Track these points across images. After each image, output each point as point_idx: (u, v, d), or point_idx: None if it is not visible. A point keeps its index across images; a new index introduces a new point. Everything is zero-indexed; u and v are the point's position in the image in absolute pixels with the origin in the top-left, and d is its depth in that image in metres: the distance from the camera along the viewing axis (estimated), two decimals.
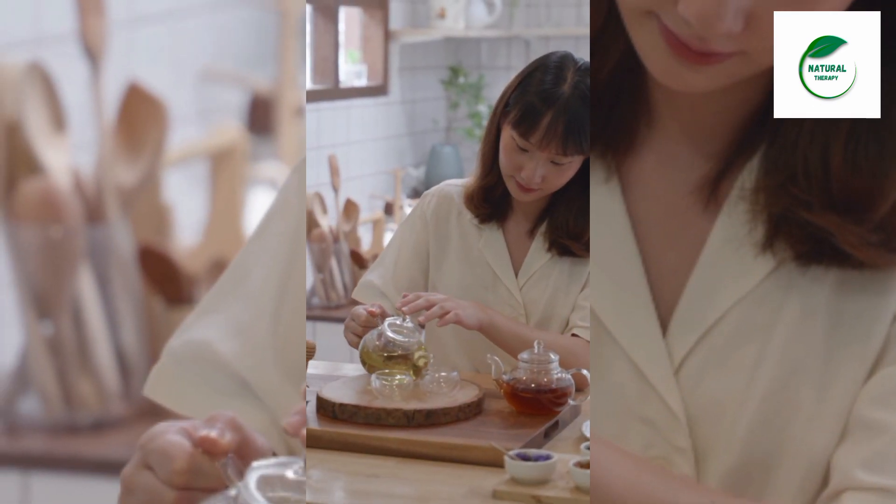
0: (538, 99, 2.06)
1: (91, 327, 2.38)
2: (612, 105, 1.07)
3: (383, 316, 2.04)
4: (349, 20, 4.46)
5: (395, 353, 1.97)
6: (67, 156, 2.36)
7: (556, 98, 2.05)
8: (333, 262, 3.84)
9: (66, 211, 2.34)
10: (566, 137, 2.05)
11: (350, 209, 4.00)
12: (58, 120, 2.36)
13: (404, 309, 2.03)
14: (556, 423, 1.89)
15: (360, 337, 2.03)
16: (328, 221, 3.94)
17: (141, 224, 2.46)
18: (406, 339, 1.98)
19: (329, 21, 4.20)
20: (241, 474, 0.92)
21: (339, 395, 1.90)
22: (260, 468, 0.91)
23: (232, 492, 0.91)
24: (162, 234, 2.52)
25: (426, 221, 2.27)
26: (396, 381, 1.92)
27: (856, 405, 1.03)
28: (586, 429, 1.84)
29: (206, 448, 0.94)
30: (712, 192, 1.06)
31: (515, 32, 4.64)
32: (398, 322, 2.00)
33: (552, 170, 2.09)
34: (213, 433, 0.94)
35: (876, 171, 0.97)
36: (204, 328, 1.21)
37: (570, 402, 1.92)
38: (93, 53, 2.36)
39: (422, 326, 2.18)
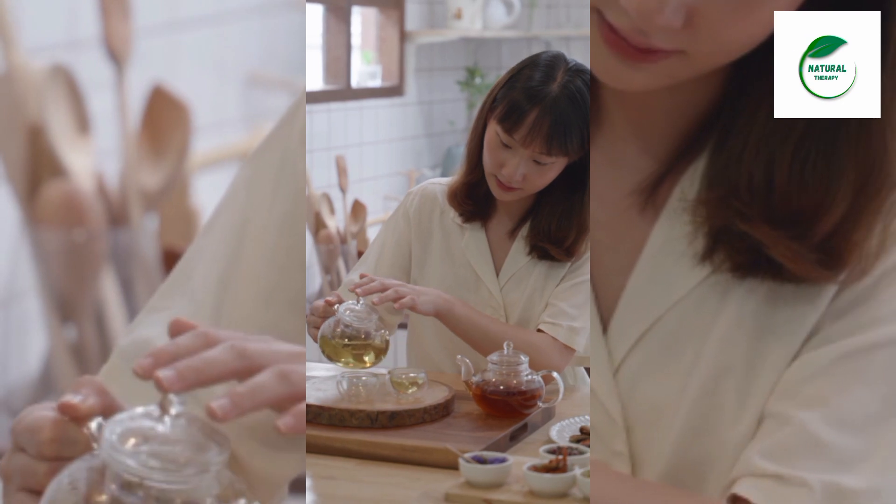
0: (525, 96, 2.04)
1: (114, 331, 2.36)
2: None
3: (341, 304, 2.01)
4: (365, 21, 4.45)
5: (353, 338, 1.95)
6: (91, 159, 2.34)
7: (543, 96, 2.03)
8: (341, 264, 3.83)
9: (89, 214, 2.32)
10: (550, 136, 2.03)
11: (358, 210, 4.00)
12: (82, 123, 2.34)
13: (358, 291, 2.00)
14: (525, 426, 1.87)
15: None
16: (336, 223, 3.93)
17: (167, 227, 2.44)
18: (361, 323, 1.95)
19: (341, 21, 4.19)
20: None
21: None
22: (121, 421, 0.89)
23: (97, 452, 0.89)
24: (189, 237, 2.50)
25: (409, 220, 2.26)
26: (363, 382, 1.90)
27: (768, 400, 1.03)
28: (554, 433, 1.82)
29: (69, 413, 0.92)
30: (651, 195, 1.05)
31: (535, 33, 4.63)
32: (353, 306, 1.97)
33: (534, 169, 2.07)
34: (74, 398, 0.93)
35: (821, 189, 0.96)
36: (150, 326, 1.19)
37: (540, 404, 1.89)
38: (117, 57, 2.34)
39: (400, 325, 2.15)
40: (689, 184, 1.03)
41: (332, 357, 1.99)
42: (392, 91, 4.46)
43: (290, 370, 0.92)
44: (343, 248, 3.90)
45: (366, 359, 1.97)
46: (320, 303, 2.03)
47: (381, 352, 1.97)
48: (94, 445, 0.91)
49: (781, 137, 0.96)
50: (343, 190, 4.03)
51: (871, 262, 0.99)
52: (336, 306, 2.00)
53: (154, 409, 0.89)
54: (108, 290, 2.37)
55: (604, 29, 0.93)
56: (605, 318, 1.08)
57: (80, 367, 2.35)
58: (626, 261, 1.07)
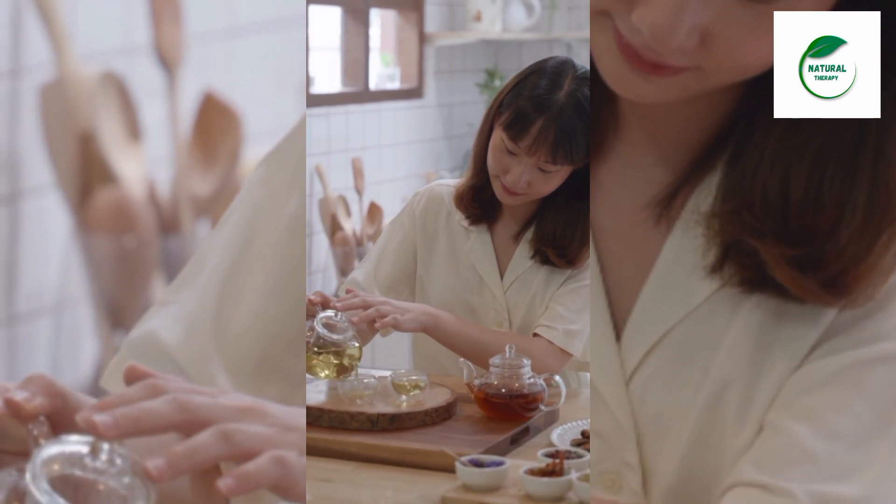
0: (531, 104, 2.02)
1: None
2: (592, 107, 1.07)
3: (324, 305, 1.99)
4: (384, 23, 4.45)
5: (324, 348, 1.91)
6: (142, 165, 2.34)
7: (549, 105, 2.01)
8: (356, 266, 3.84)
9: (140, 221, 2.32)
10: (556, 146, 2.01)
11: (374, 212, 4.00)
12: (133, 129, 2.34)
13: (338, 306, 1.98)
14: (528, 430, 1.85)
15: None
16: (352, 225, 3.93)
17: None
18: (336, 336, 1.92)
19: (360, 23, 4.19)
20: (47, 439, 0.90)
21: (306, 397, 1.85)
22: (53, 444, 0.87)
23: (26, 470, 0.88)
24: None
25: (414, 221, 2.25)
26: (364, 384, 1.88)
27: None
28: (555, 436, 1.81)
29: (12, 410, 0.91)
30: (666, 207, 1.04)
31: (556, 35, 4.62)
32: (331, 315, 1.94)
33: (539, 176, 2.06)
34: (19, 396, 0.91)
35: (837, 207, 0.95)
36: (157, 319, 1.19)
37: (542, 408, 1.88)
38: (168, 64, 2.34)
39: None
40: (704, 196, 1.02)
41: None
42: (411, 93, 4.46)
43: (232, 429, 0.89)
44: (359, 251, 3.91)
45: (323, 374, 1.94)
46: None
47: (344, 370, 1.93)
48: (32, 448, 0.89)
49: (798, 153, 0.95)
50: (359, 192, 4.03)
51: (879, 286, 0.98)
52: (318, 307, 1.97)
53: (84, 442, 0.88)
54: (159, 296, 2.37)
55: (617, 36, 0.91)
56: (618, 326, 1.07)
57: None
58: (639, 270, 1.06)
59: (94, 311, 2.35)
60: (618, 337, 1.07)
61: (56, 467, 0.86)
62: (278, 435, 0.91)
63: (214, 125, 2.36)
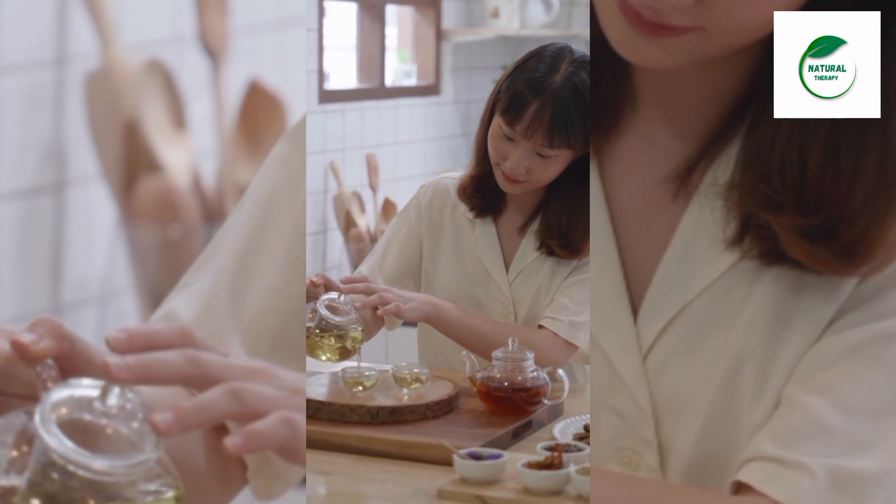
0: (527, 87, 2.02)
1: None
2: (595, 85, 1.07)
3: (327, 287, 1.98)
4: (401, 20, 4.45)
5: (326, 330, 1.91)
6: (187, 154, 2.34)
7: (544, 87, 2.00)
8: None
9: (185, 210, 2.32)
10: (552, 129, 2.00)
11: (388, 209, 4.00)
12: (178, 119, 2.34)
13: (343, 287, 1.98)
14: (530, 423, 1.84)
15: None
16: (366, 221, 3.94)
17: None
18: (339, 319, 1.91)
19: (375, 20, 4.19)
20: (56, 383, 0.90)
21: (307, 390, 1.83)
22: (62, 387, 0.87)
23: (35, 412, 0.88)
24: None
25: (420, 213, 2.24)
26: (366, 375, 1.87)
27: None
28: (557, 430, 1.80)
29: (19, 352, 0.90)
30: (684, 181, 1.05)
31: (574, 32, 4.61)
32: (334, 297, 1.94)
33: (537, 162, 2.05)
34: (27, 338, 0.90)
35: (851, 174, 0.95)
36: (175, 300, 1.20)
37: (545, 401, 1.86)
38: (213, 53, 2.34)
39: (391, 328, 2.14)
40: (723, 168, 1.02)
41: None
42: (428, 90, 4.45)
43: (241, 388, 0.89)
44: (373, 247, 3.91)
45: (324, 357, 1.93)
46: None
47: (346, 353, 1.93)
48: (40, 391, 0.89)
49: (815, 121, 0.95)
50: (374, 189, 4.03)
51: (894, 251, 0.98)
52: (321, 289, 1.96)
53: (95, 387, 0.87)
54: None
55: (619, 0, 0.92)
56: (635, 304, 1.07)
57: None
58: (657, 246, 1.06)
59: (139, 300, 2.35)
60: (635, 314, 1.06)
61: (65, 411, 0.85)
62: (286, 398, 0.91)
63: (260, 114, 2.37)
